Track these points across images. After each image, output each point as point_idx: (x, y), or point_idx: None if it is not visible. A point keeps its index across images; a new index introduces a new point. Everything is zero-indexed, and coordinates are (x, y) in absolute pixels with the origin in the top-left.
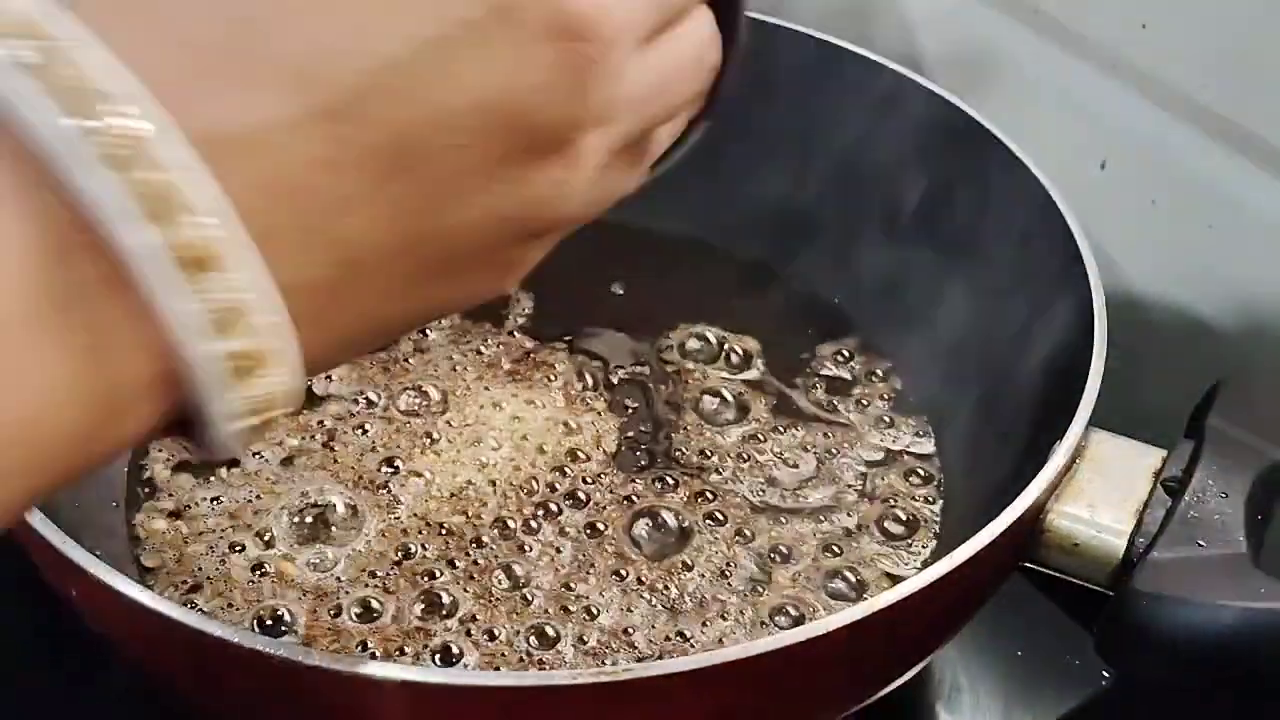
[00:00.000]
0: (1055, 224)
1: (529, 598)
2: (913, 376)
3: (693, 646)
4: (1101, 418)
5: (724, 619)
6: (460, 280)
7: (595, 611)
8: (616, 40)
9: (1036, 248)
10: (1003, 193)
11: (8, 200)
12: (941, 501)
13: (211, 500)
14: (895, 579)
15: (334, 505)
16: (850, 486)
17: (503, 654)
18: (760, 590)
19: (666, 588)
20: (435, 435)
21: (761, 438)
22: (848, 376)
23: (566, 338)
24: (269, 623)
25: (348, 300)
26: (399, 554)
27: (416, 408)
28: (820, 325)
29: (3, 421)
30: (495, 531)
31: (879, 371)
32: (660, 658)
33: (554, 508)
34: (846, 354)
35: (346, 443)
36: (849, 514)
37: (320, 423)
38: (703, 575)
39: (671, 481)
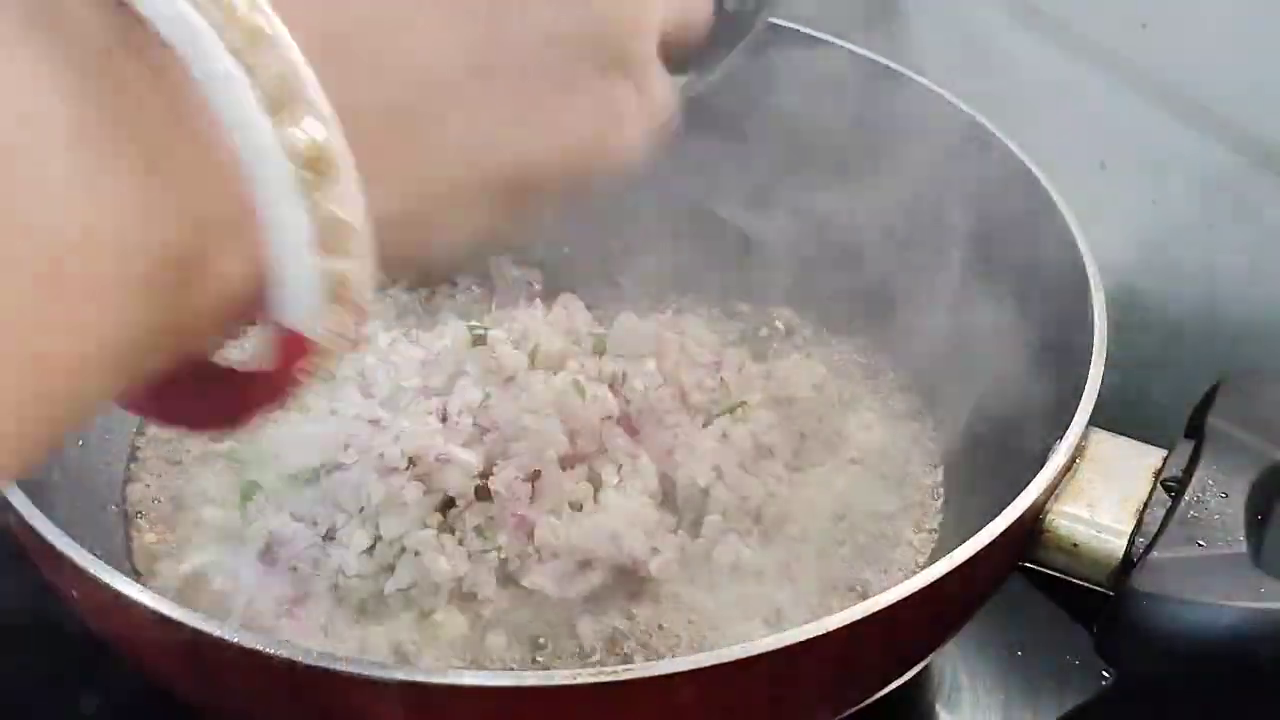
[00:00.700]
0: (1055, 224)
1: None
2: (912, 376)
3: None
4: (1101, 418)
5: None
6: (547, 117)
7: None
8: None
9: (1036, 248)
10: (1003, 193)
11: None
12: (942, 502)
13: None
14: (895, 579)
15: None
16: (850, 486)
17: None
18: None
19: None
20: None
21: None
22: (847, 376)
23: None
24: None
25: (424, 129)
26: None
27: None
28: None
29: (57, 227)
30: None
31: (879, 371)
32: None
33: None
34: (845, 352)
35: None
36: (850, 511)
37: None
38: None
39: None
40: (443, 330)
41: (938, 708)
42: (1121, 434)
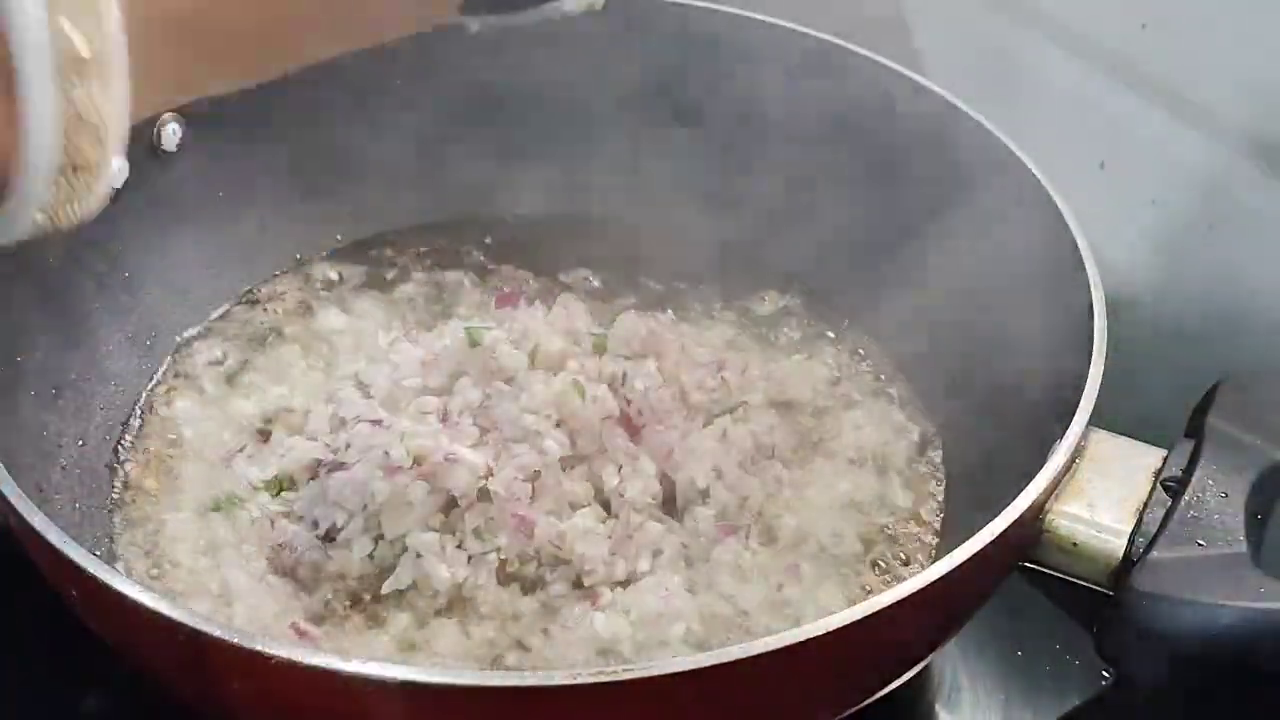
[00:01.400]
0: (1055, 224)
1: None
2: (913, 376)
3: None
4: (1101, 418)
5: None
6: None
7: None
8: None
9: (1037, 248)
10: (1003, 193)
11: None
12: (942, 501)
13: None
14: (895, 579)
15: None
16: (850, 486)
17: None
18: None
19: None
20: None
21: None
22: (847, 376)
23: None
24: None
25: None
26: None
27: None
28: (820, 325)
29: None
30: None
31: (879, 370)
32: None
33: None
34: (845, 352)
35: None
36: (850, 511)
37: None
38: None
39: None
40: (443, 330)
41: (938, 708)
42: (1121, 434)
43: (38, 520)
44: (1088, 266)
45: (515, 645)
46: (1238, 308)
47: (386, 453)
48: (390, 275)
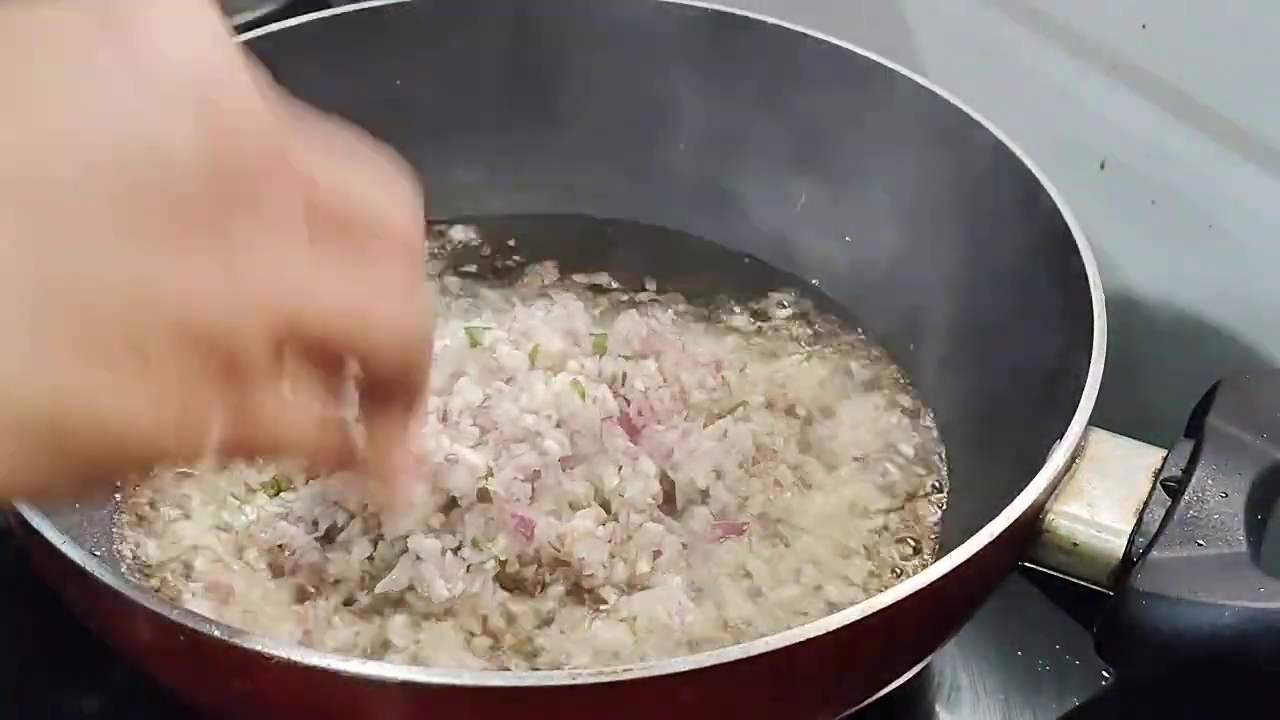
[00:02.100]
0: (1055, 224)
1: None
2: (913, 376)
3: None
4: (1101, 418)
5: None
6: (117, 382)
7: None
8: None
9: (1036, 248)
10: (1002, 193)
11: None
12: (942, 501)
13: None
14: (895, 579)
15: None
16: (851, 486)
17: None
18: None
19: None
20: None
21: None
22: (847, 376)
23: None
24: None
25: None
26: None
27: None
28: (820, 325)
29: None
30: None
31: (879, 370)
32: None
33: None
34: (845, 352)
35: None
36: (850, 512)
37: None
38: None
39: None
40: (443, 330)
41: (938, 708)
42: (1121, 434)
43: (38, 520)
44: (1088, 266)
45: (514, 647)
46: (1238, 308)
47: None
48: None
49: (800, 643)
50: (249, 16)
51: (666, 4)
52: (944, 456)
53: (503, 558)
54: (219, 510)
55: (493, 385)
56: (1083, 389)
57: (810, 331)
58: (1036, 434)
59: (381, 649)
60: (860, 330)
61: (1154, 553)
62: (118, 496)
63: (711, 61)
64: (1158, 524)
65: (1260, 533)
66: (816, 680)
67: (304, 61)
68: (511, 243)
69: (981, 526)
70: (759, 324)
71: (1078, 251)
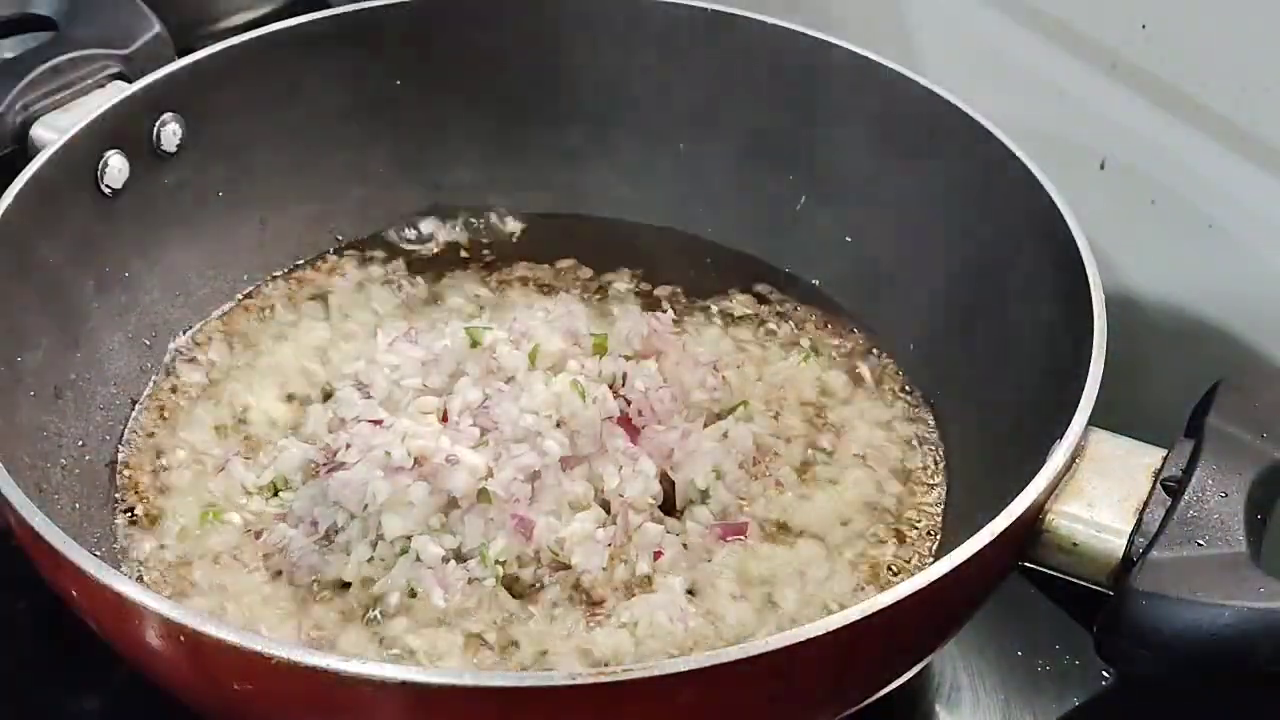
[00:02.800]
0: (1055, 224)
1: None
2: (913, 376)
3: None
4: (1101, 418)
5: None
6: None
7: None
8: None
9: (1037, 248)
10: (1002, 193)
11: None
12: (942, 501)
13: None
14: (895, 579)
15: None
16: (851, 486)
17: None
18: None
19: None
20: None
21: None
22: (847, 376)
23: None
24: None
25: None
26: None
27: None
28: (821, 325)
29: None
30: None
31: (879, 370)
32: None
33: None
34: (845, 352)
35: None
36: (851, 512)
37: None
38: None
39: None
40: (443, 330)
41: (938, 708)
42: (1121, 434)
43: (38, 520)
44: (1088, 266)
45: (513, 651)
46: (1238, 308)
47: (388, 453)
48: (390, 275)
49: (800, 643)
50: (249, 16)
51: (666, 4)
52: (944, 456)
53: (502, 559)
54: (219, 511)
55: (493, 385)
56: (1083, 389)
57: (810, 331)
58: (1036, 434)
59: (380, 650)
60: (860, 330)
61: (1154, 553)
62: (118, 496)
63: (711, 61)
64: (1158, 524)
65: (1260, 533)
66: (816, 680)
67: (304, 61)
68: (511, 243)
69: (981, 526)
70: (759, 324)
71: (1078, 251)
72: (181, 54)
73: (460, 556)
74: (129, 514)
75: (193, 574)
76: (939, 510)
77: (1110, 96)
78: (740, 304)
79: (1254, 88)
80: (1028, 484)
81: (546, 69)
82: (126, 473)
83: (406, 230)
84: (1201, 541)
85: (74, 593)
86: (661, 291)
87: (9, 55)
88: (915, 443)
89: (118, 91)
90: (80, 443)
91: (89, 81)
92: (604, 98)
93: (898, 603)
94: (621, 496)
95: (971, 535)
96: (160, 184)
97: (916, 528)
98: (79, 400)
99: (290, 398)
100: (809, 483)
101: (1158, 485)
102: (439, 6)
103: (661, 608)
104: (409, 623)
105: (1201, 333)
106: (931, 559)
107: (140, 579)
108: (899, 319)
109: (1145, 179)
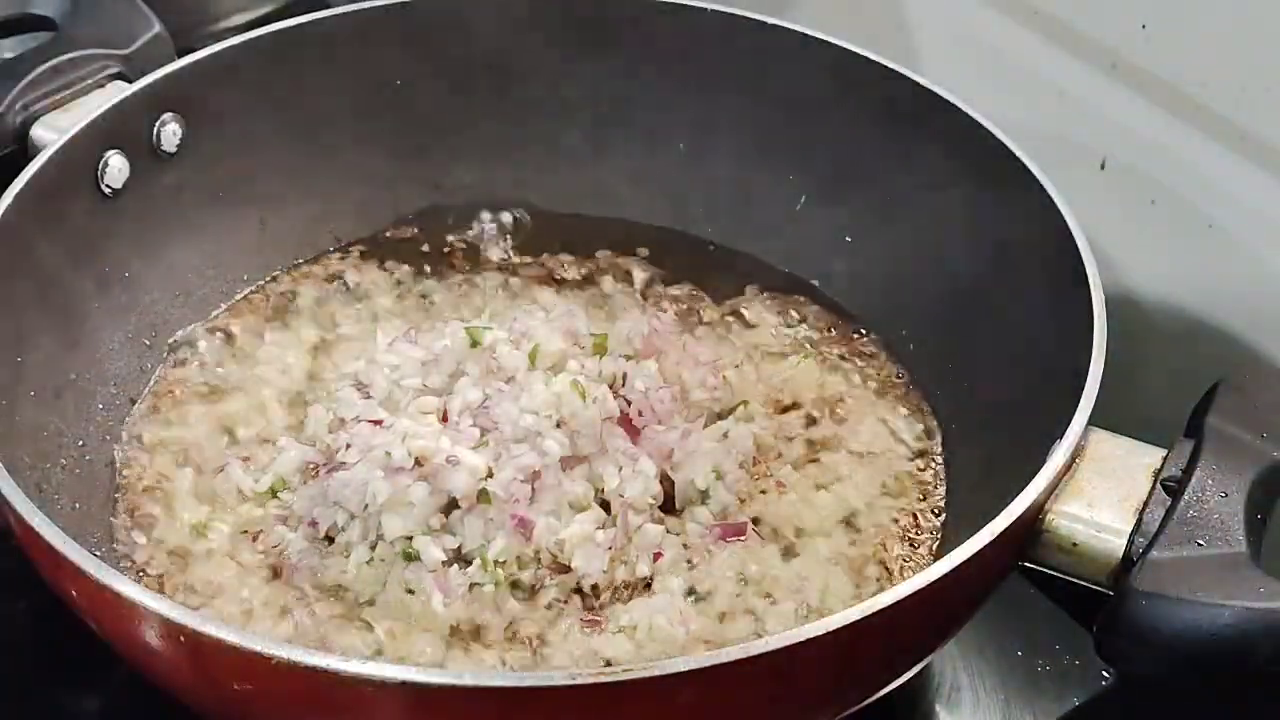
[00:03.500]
0: (1055, 224)
1: None
2: (913, 376)
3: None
4: (1101, 418)
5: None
6: None
7: None
8: None
9: (1037, 248)
10: (1003, 193)
11: None
12: (942, 501)
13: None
14: (895, 579)
15: None
16: (851, 486)
17: None
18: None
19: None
20: None
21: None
22: (847, 376)
23: None
24: None
25: None
26: None
27: None
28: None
29: None
30: None
31: (879, 370)
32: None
33: None
34: (845, 352)
35: None
36: (851, 512)
37: None
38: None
39: None
40: (443, 330)
41: (938, 708)
42: (1121, 434)
43: (38, 520)
44: (1088, 266)
45: (513, 652)
46: (1238, 308)
47: (388, 453)
48: (390, 275)
49: (800, 643)
50: (249, 16)
51: (666, 4)
52: (944, 456)
53: (501, 559)
54: (219, 512)
55: (493, 385)
56: (1083, 389)
57: (810, 332)
58: (1036, 434)
59: (380, 651)
60: (860, 330)
61: (1154, 552)
62: (118, 496)
63: (709, 61)
64: (1158, 524)
65: (1260, 533)
66: (816, 680)
67: (304, 61)
68: (511, 242)
69: (981, 526)
70: (760, 324)
71: (1078, 251)
72: (181, 54)
73: (461, 558)
74: (129, 514)
75: (192, 574)
76: (939, 510)
77: (1110, 96)
78: (740, 304)
79: (1254, 88)
80: (1028, 484)
81: (546, 69)
82: (126, 473)
83: (406, 230)
84: (1201, 541)
85: (74, 593)
86: (662, 291)
87: (9, 55)
88: (915, 442)
89: (118, 91)
90: (80, 443)
91: (89, 81)
92: (604, 98)
93: (898, 603)
94: (622, 497)
95: (971, 535)
96: (160, 184)
97: (916, 527)
98: (79, 400)
99: (290, 398)
100: (809, 483)
101: (1158, 485)
102: (439, 6)
103: (661, 611)
104: (407, 624)
105: (1201, 333)
106: (931, 559)
107: (140, 579)
108: (899, 319)
109: (1145, 179)
